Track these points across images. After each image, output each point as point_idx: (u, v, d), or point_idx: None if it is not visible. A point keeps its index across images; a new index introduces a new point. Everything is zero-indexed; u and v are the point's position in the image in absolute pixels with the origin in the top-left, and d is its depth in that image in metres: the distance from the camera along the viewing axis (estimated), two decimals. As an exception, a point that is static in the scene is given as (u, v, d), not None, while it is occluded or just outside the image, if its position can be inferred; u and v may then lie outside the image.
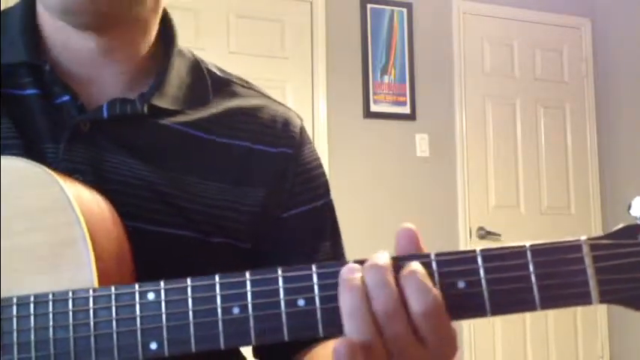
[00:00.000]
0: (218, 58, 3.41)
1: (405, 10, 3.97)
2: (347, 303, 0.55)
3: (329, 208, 0.89)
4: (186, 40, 3.43)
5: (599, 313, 4.22)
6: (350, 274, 0.55)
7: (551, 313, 4.10)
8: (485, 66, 4.17)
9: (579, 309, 4.18)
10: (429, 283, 0.54)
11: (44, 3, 0.74)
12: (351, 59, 3.85)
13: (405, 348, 0.54)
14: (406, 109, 3.92)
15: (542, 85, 4.28)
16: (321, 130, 3.72)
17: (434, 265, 0.56)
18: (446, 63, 4.06)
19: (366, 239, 3.86)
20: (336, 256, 0.87)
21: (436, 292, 0.54)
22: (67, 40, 0.77)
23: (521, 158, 4.17)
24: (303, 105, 3.69)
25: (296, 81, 3.75)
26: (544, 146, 4.24)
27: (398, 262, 0.56)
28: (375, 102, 3.85)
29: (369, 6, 3.89)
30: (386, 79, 3.89)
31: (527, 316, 4.05)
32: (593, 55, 4.40)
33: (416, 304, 0.54)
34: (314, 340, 0.76)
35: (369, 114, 3.84)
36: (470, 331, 3.91)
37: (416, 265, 0.55)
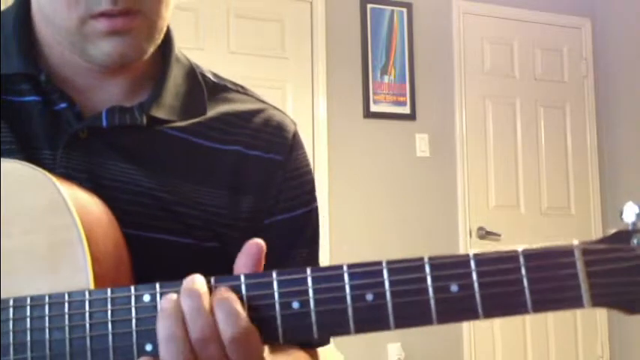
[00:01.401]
0: (218, 58, 3.40)
1: (405, 10, 3.97)
2: (163, 330, 0.56)
3: (310, 217, 0.88)
4: (186, 40, 3.46)
5: (599, 313, 4.22)
6: (167, 303, 0.57)
7: (552, 313, 4.09)
8: (485, 66, 4.17)
9: (579, 309, 4.17)
10: (239, 309, 0.56)
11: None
12: (351, 59, 3.85)
13: None
14: (406, 109, 3.92)
15: (542, 85, 4.27)
16: (321, 130, 3.72)
17: (243, 288, 0.58)
18: (446, 63, 4.06)
19: (366, 239, 3.88)
20: (307, 264, 0.86)
21: (245, 317, 0.56)
22: (65, 58, 0.77)
23: (521, 158, 4.17)
24: (303, 105, 3.69)
25: (296, 81, 3.75)
26: (544, 146, 4.24)
27: (214, 285, 0.58)
28: (375, 102, 3.85)
29: (369, 6, 3.89)
30: (386, 79, 3.89)
31: (527, 316, 4.05)
32: (593, 55, 4.40)
33: (226, 329, 0.56)
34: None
35: (369, 114, 3.84)
36: (470, 331, 3.91)
37: (226, 292, 0.57)
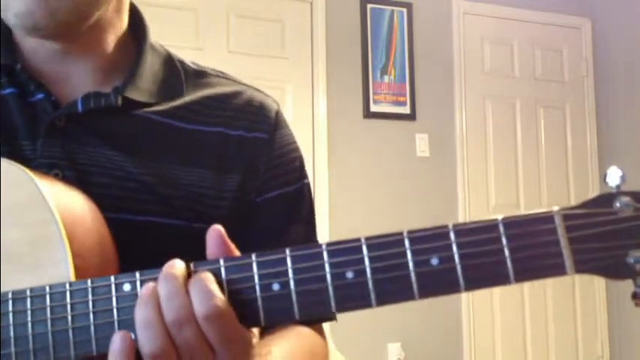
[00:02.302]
0: (218, 58, 3.41)
1: (405, 10, 3.97)
2: (140, 317, 0.56)
3: (302, 193, 0.88)
4: (186, 40, 3.46)
5: (599, 313, 4.21)
6: (145, 290, 0.57)
7: (552, 313, 4.09)
8: (485, 66, 4.16)
9: (579, 309, 4.17)
10: (214, 288, 0.56)
11: (7, 22, 0.74)
12: (351, 59, 3.85)
13: (195, 353, 0.56)
14: (406, 109, 3.91)
15: (542, 85, 4.27)
16: (321, 130, 3.71)
17: (222, 272, 0.57)
18: (446, 63, 4.05)
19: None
20: (307, 240, 0.86)
21: (221, 296, 0.56)
22: (34, 44, 0.78)
23: (521, 158, 4.17)
24: (303, 105, 3.69)
25: (296, 81, 3.74)
26: (544, 146, 4.24)
27: (193, 270, 0.58)
28: (375, 102, 3.85)
29: (369, 6, 3.89)
30: (386, 79, 3.88)
31: (527, 315, 4.04)
32: (593, 55, 4.39)
33: (199, 307, 0.55)
34: None
35: (369, 114, 3.83)
36: (470, 331, 3.90)
37: (203, 273, 0.57)
